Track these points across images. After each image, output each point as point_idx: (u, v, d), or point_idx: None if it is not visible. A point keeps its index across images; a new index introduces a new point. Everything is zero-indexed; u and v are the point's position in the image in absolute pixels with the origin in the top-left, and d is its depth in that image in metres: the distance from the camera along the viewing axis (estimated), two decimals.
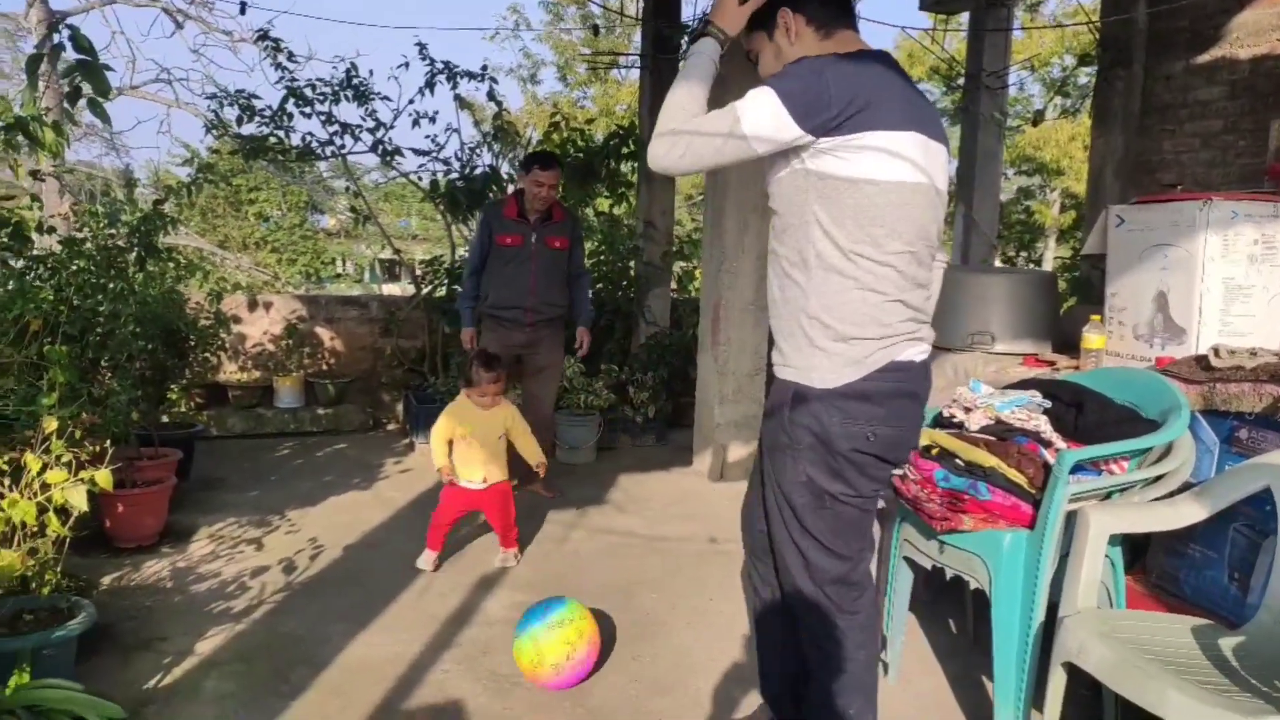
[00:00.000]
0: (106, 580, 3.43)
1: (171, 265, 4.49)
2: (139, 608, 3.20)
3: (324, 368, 6.32)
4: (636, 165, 6.34)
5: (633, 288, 6.40)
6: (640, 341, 6.25)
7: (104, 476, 2.52)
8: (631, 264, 6.46)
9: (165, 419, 4.99)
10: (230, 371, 6.08)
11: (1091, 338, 3.17)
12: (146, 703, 2.57)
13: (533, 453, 3.87)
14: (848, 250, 1.84)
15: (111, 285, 3.70)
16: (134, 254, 4.10)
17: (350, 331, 6.39)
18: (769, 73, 1.99)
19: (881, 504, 2.88)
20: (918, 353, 1.95)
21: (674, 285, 6.76)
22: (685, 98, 1.92)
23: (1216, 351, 2.53)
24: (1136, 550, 2.82)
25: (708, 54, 2.00)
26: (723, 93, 1.98)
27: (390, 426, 6.36)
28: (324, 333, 6.35)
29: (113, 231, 4.11)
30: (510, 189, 6.03)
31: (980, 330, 3.73)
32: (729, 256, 4.87)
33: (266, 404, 6.02)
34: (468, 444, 3.71)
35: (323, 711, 2.56)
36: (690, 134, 1.86)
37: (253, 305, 6.21)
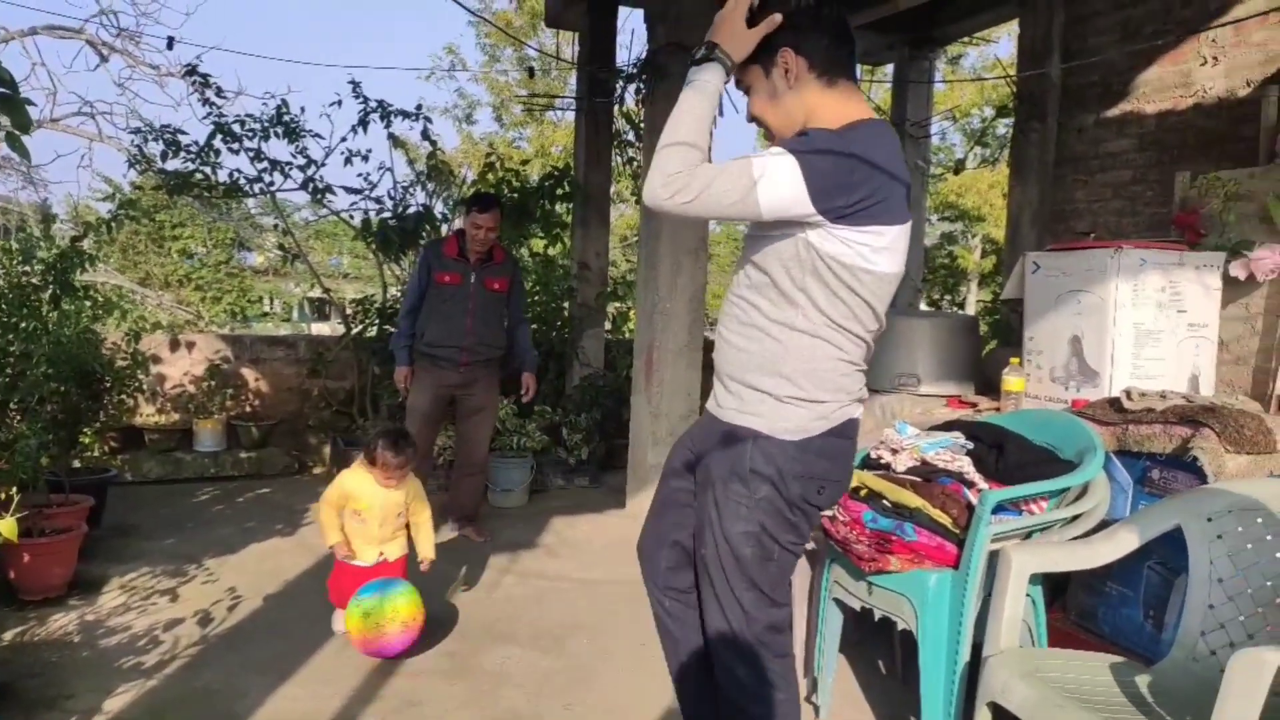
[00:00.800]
0: (8, 636, 3.24)
1: (88, 304, 4.34)
2: (44, 664, 3.03)
3: (248, 410, 6.15)
4: (571, 206, 6.37)
5: (567, 329, 6.39)
6: (574, 383, 6.23)
7: (8, 525, 2.41)
8: (566, 305, 6.46)
9: (77, 464, 4.79)
10: (147, 414, 5.87)
11: (1011, 380, 3.26)
12: None
13: (426, 544, 3.51)
14: (837, 323, 1.85)
15: (24, 324, 3.55)
16: (49, 292, 3.95)
17: (276, 372, 6.24)
18: (761, 113, 1.95)
19: (812, 545, 2.90)
20: (860, 410, 1.98)
21: (608, 327, 6.77)
22: (689, 134, 1.80)
23: (1129, 394, 2.62)
24: (1057, 588, 2.89)
25: (715, 85, 1.85)
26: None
27: (316, 470, 6.20)
28: (249, 373, 6.18)
29: (27, 269, 3.97)
30: (445, 229, 6.00)
31: (907, 372, 3.82)
32: (663, 299, 4.90)
33: (185, 447, 5.82)
34: (362, 521, 3.37)
35: None
36: (701, 185, 1.74)
37: (174, 345, 6.02)
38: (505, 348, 4.70)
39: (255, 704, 2.84)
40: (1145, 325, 2.93)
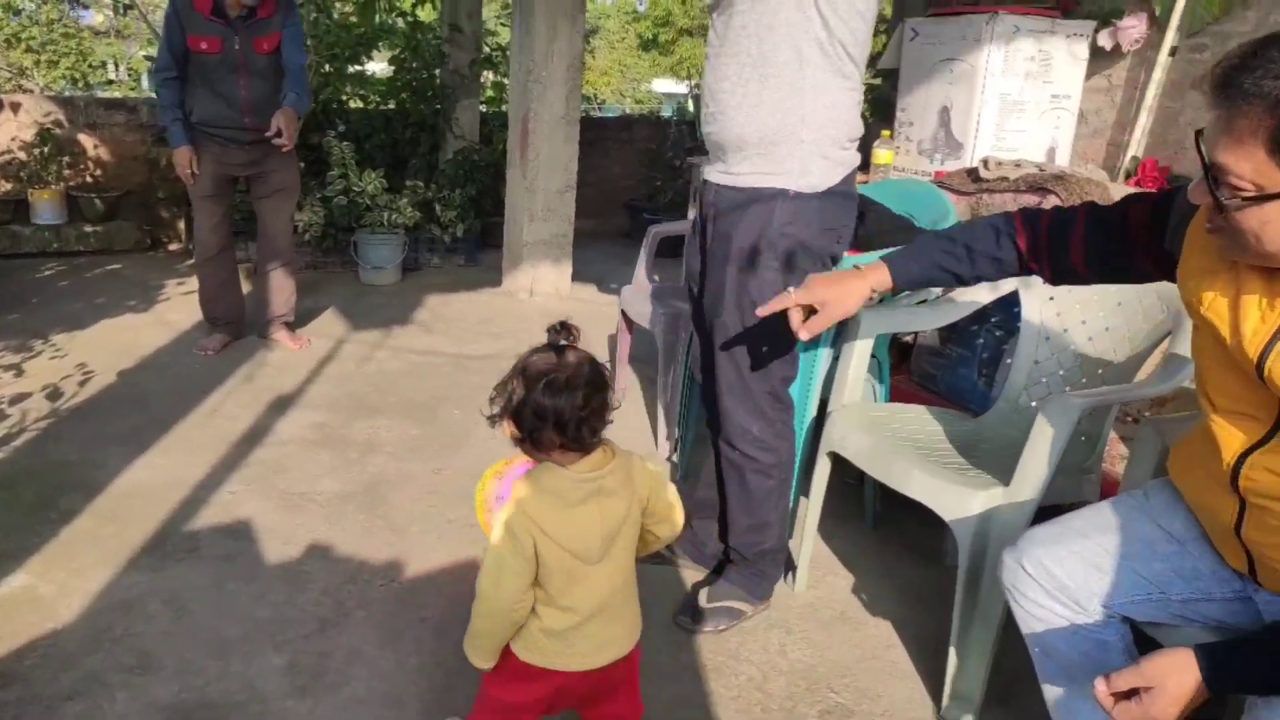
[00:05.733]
0: None
1: None
2: None
3: (89, 180, 5.67)
4: None
5: (438, 99, 6.02)
6: (448, 157, 5.96)
7: None
8: (437, 73, 6.05)
9: None
10: None
11: (880, 153, 3.27)
12: None
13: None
14: (850, 52, 1.84)
15: None
16: None
17: (117, 139, 5.72)
18: None
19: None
20: (857, 159, 2.03)
21: (484, 98, 6.42)
22: None
23: (986, 164, 2.66)
24: (904, 353, 3.05)
25: None
26: None
27: (173, 246, 5.86)
28: (86, 140, 5.66)
29: None
30: None
31: None
32: (538, 65, 4.63)
33: (21, 220, 5.38)
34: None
35: (96, 535, 2.44)
36: None
37: None
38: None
39: (114, 473, 2.80)
40: (1012, 95, 2.94)
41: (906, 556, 2.58)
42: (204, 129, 3.64)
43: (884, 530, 2.72)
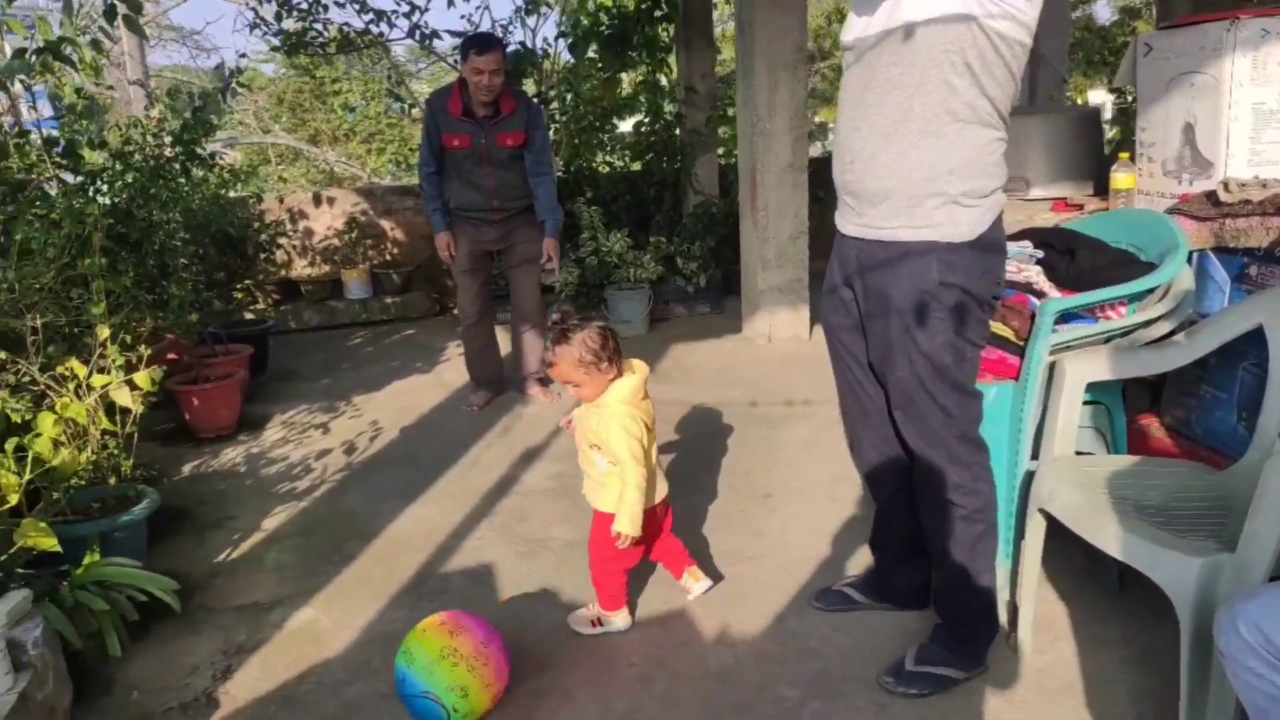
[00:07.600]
0: (187, 468, 3.77)
1: (216, 170, 4.66)
2: (213, 491, 3.52)
3: (388, 258, 6.55)
4: (672, 29, 6.13)
5: (679, 157, 6.31)
6: (689, 211, 6.21)
7: (142, 378, 2.75)
8: (676, 132, 6.35)
9: (250, 315, 5.32)
10: (301, 267, 6.37)
11: (1120, 177, 3.02)
12: (215, 574, 2.88)
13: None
14: (995, 105, 1.84)
15: (154, 193, 3.85)
16: (179, 163, 4.24)
17: (408, 221, 6.56)
18: None
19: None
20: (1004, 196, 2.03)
21: (721, 151, 6.62)
22: None
23: (1226, 185, 2.39)
24: (1156, 392, 2.77)
25: None
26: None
27: (456, 311, 6.57)
28: (385, 224, 6.54)
29: (159, 141, 4.23)
30: (546, 67, 5.95)
31: (1015, 175, 3.58)
32: (761, 118, 4.74)
33: (337, 296, 6.32)
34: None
35: (368, 577, 2.82)
36: None
37: (317, 200, 6.43)
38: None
39: (387, 521, 3.21)
40: (1267, 105, 2.60)
41: (1154, 623, 2.33)
42: (460, 213, 4.16)
43: (1131, 593, 2.48)
